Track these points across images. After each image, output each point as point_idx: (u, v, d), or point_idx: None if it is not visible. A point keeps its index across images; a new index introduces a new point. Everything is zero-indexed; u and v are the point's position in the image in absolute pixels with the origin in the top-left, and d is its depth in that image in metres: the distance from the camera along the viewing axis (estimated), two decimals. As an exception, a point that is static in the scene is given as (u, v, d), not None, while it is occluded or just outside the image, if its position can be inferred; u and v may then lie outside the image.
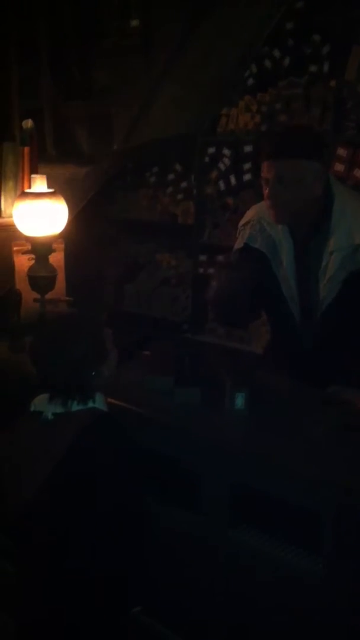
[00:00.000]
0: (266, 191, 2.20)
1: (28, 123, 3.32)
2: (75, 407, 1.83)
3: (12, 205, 2.83)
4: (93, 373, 1.86)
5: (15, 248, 2.89)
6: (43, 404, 1.86)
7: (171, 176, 4.35)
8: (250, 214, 2.39)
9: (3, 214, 3.47)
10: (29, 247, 2.69)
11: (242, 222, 2.42)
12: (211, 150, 4.06)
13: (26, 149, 3.28)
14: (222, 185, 4.05)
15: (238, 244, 2.42)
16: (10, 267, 2.89)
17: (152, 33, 3.60)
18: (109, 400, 1.99)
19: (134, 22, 3.66)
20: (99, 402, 1.87)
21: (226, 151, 4.00)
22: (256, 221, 2.34)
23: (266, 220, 2.31)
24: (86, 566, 1.79)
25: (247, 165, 3.86)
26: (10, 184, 3.46)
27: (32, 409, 1.88)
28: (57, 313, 1.96)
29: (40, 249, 2.66)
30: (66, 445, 1.77)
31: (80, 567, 1.79)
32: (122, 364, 2.32)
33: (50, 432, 1.81)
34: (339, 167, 3.49)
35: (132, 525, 1.83)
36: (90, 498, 1.76)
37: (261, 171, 2.22)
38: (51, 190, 2.69)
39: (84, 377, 1.85)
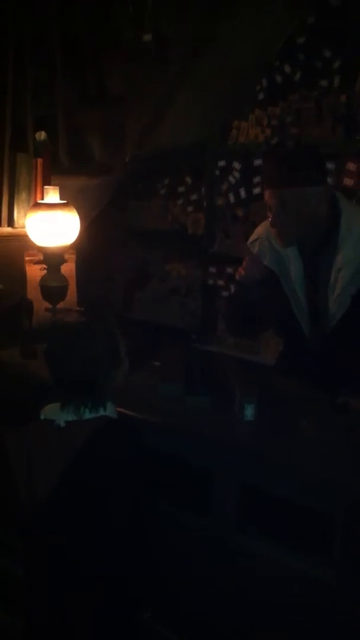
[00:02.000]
0: (270, 217, 2.22)
1: (41, 135, 3.36)
2: (88, 414, 1.86)
3: (25, 215, 2.87)
4: (106, 380, 1.89)
5: (27, 258, 2.93)
6: (54, 413, 1.89)
7: (181, 188, 4.38)
8: (259, 231, 2.42)
9: (16, 225, 3.51)
10: (41, 257, 2.73)
11: (251, 238, 2.45)
12: (221, 163, 4.08)
13: (39, 160, 3.32)
14: (232, 197, 4.07)
15: None
16: (22, 277, 2.93)
17: (166, 43, 3.63)
18: (120, 408, 2.02)
19: (147, 37, 3.68)
20: (110, 410, 1.90)
21: (236, 164, 4.03)
22: (265, 238, 2.37)
23: (274, 238, 2.33)
24: (94, 569, 1.81)
25: (257, 179, 3.88)
26: (24, 194, 3.50)
27: (42, 417, 1.90)
28: (71, 320, 1.99)
29: (52, 259, 2.70)
30: (76, 452, 1.80)
31: (88, 570, 1.82)
32: (131, 371, 2.35)
33: (62, 439, 1.83)
34: (349, 181, 3.51)
35: (142, 530, 1.85)
36: (101, 504, 1.78)
37: (264, 196, 2.24)
38: (63, 201, 2.72)
39: (97, 383, 1.88)
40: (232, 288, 3.94)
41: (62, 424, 1.85)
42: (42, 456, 1.85)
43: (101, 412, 1.87)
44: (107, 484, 1.80)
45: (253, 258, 2.36)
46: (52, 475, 1.82)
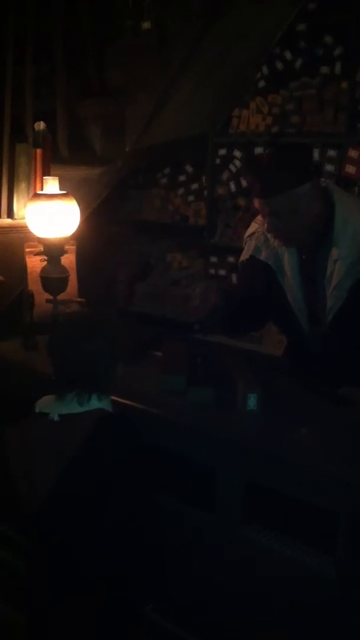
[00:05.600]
0: (265, 222, 2.21)
1: (40, 125, 3.34)
2: (81, 408, 1.85)
3: (25, 206, 2.85)
4: (107, 372, 1.88)
5: (27, 249, 2.91)
6: (48, 406, 1.87)
7: (182, 177, 4.36)
8: (255, 226, 2.40)
9: (15, 216, 3.49)
10: (41, 248, 2.71)
11: (247, 233, 2.44)
12: (222, 151, 4.07)
13: (39, 151, 3.30)
14: (233, 186, 4.06)
15: (244, 256, 2.45)
16: (22, 268, 2.91)
17: (167, 33, 3.61)
18: (123, 400, 2.01)
19: (146, 25, 3.66)
20: (104, 403, 1.88)
21: (237, 153, 4.01)
22: (261, 233, 2.35)
23: (274, 241, 2.32)
24: (96, 566, 1.81)
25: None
26: (23, 185, 3.48)
27: (37, 410, 1.89)
28: (74, 312, 1.98)
29: (52, 250, 2.68)
30: (74, 447, 1.79)
31: (90, 567, 1.81)
32: (134, 364, 2.34)
33: (58, 433, 1.82)
34: (351, 169, 3.49)
35: (143, 525, 1.84)
36: (99, 499, 1.77)
37: (254, 204, 2.23)
38: (63, 192, 2.70)
39: (98, 375, 1.86)
40: (234, 278, 3.94)
41: (56, 418, 1.84)
42: (40, 451, 1.84)
43: (94, 405, 1.86)
44: (105, 481, 1.78)
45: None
46: (50, 470, 1.80)
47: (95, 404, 1.85)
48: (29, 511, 1.88)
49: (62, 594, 1.85)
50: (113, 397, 1.97)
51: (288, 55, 3.78)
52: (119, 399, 2.10)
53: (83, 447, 1.78)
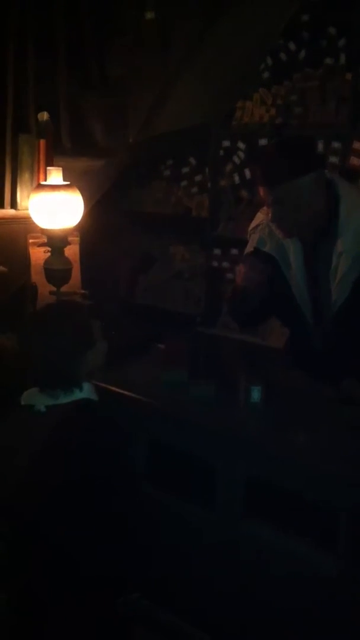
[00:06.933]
0: (269, 212, 2.20)
1: (44, 115, 3.32)
2: (63, 398, 1.86)
3: (28, 197, 2.84)
4: (79, 362, 1.90)
5: (31, 240, 2.91)
6: (33, 398, 1.90)
7: (185, 169, 4.35)
8: (260, 217, 2.39)
9: (19, 207, 3.47)
10: (44, 239, 2.70)
11: (252, 225, 2.43)
12: (226, 143, 4.05)
13: (42, 142, 3.29)
14: (236, 178, 4.04)
15: (249, 248, 2.43)
16: (26, 260, 2.91)
17: (170, 25, 3.59)
18: (123, 391, 2.01)
19: (149, 15, 3.64)
20: (86, 392, 1.89)
21: (241, 144, 3.99)
22: (265, 225, 2.34)
23: (275, 230, 2.31)
24: (96, 565, 1.82)
25: (261, 159, 3.84)
26: (26, 176, 3.47)
27: (22, 402, 1.92)
28: (42, 308, 2.00)
29: (56, 241, 2.67)
30: (55, 437, 1.82)
31: (90, 567, 1.82)
32: (136, 357, 2.34)
33: (40, 425, 1.86)
34: (355, 161, 3.47)
35: (109, 512, 1.85)
36: (70, 490, 1.79)
37: (258, 192, 2.21)
38: (67, 182, 2.69)
39: (69, 366, 1.88)
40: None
41: (43, 409, 1.87)
42: (25, 443, 1.87)
43: (77, 395, 1.88)
44: (73, 473, 1.80)
45: (251, 265, 2.30)
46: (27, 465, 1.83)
47: (75, 393, 1.88)
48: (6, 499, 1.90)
49: (62, 594, 1.85)
50: (114, 389, 1.98)
51: (292, 46, 3.75)
52: (119, 390, 2.11)
53: (51, 441, 1.82)
